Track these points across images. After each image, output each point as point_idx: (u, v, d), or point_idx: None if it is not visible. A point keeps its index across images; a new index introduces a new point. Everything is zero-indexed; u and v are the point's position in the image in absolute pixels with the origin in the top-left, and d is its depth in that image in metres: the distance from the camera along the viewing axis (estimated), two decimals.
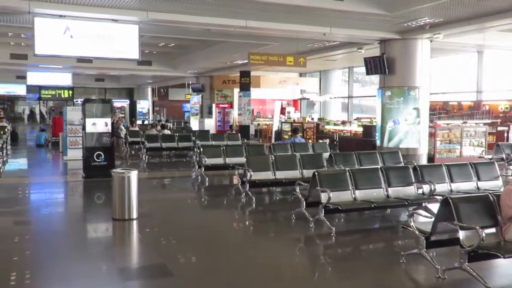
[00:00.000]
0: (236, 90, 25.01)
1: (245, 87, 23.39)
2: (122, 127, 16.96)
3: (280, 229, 7.95)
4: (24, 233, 7.45)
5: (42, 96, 34.23)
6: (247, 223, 8.76)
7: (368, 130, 16.38)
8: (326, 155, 11.27)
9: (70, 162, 15.53)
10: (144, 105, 39.16)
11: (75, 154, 15.43)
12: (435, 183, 8.13)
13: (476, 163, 9.23)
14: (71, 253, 6.47)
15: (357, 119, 21.28)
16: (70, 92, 32.99)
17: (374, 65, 14.10)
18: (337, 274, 5.92)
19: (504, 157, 12.69)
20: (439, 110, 19.10)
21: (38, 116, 42.86)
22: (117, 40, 11.50)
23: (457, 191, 8.47)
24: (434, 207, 6.82)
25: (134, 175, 7.91)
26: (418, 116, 13.61)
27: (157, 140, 17.01)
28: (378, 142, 14.43)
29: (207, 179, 11.82)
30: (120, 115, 22.63)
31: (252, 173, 9.49)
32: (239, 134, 18.50)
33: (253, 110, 25.77)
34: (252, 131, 24.07)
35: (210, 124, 25.28)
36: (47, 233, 7.51)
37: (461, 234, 5.09)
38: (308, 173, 9.50)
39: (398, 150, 12.00)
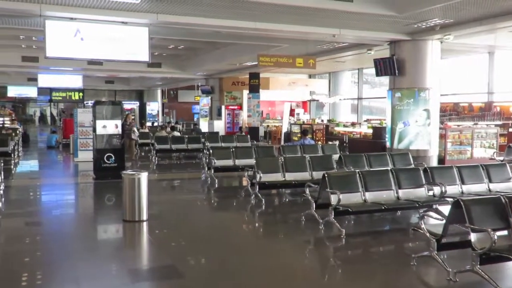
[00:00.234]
0: (246, 92, 25.01)
1: (254, 89, 23.38)
2: (135, 129, 17.01)
3: (290, 231, 7.94)
4: (35, 234, 7.51)
5: (53, 98, 34.44)
6: (256, 224, 8.76)
7: (378, 131, 16.30)
8: (335, 156, 11.24)
9: (81, 163, 15.63)
10: (153, 107, 39.31)
11: (85, 156, 15.53)
12: (446, 185, 8.07)
13: (488, 164, 9.15)
14: (81, 254, 6.50)
15: (367, 120, 21.19)
16: (81, 94, 33.16)
17: (384, 67, 14.04)
18: (347, 276, 5.89)
19: None
20: (449, 112, 18.97)
21: (49, 118, 43.22)
22: (127, 43, 11.55)
23: (468, 193, 8.41)
24: (445, 209, 6.76)
25: (144, 176, 7.94)
26: (428, 117, 13.53)
27: (167, 142, 17.07)
28: (388, 144, 14.36)
29: (216, 180, 11.84)
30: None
31: (261, 174, 9.49)
32: (249, 136, 18.52)
33: (262, 111, 25.76)
34: (261, 132, 24.06)
35: (220, 126, 25.30)
36: (58, 234, 7.56)
37: (473, 237, 5.05)
38: (317, 175, 9.49)
39: (408, 152, 11.94)
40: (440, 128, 14.53)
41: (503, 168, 9.10)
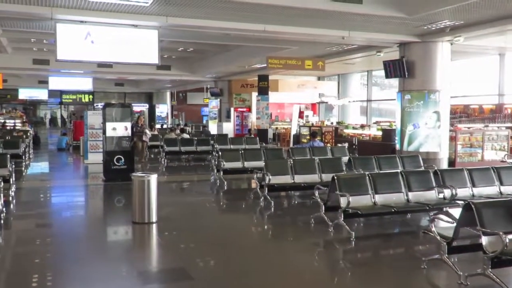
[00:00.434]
0: (254, 94, 25.01)
1: (263, 91, 23.38)
2: (147, 131, 17.08)
3: (299, 234, 7.93)
4: (45, 235, 7.57)
5: (63, 100, 34.63)
6: (265, 227, 8.75)
7: (388, 134, 16.23)
8: (345, 159, 11.21)
9: (91, 165, 15.72)
10: (163, 109, 39.45)
11: (95, 158, 15.62)
12: (456, 188, 8.02)
13: (499, 167, 9.08)
14: (91, 256, 6.54)
15: (376, 122, 21.09)
16: (91, 96, 33.31)
17: (393, 68, 13.98)
18: (356, 279, 5.87)
19: None
20: (459, 114, 18.82)
21: (59, 120, 43.53)
22: (137, 45, 11.60)
23: (479, 196, 8.35)
24: (456, 212, 6.72)
25: (153, 178, 7.97)
26: (438, 119, 13.44)
27: (176, 144, 17.14)
28: (397, 146, 14.29)
29: (225, 182, 11.84)
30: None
31: (270, 177, 9.48)
32: (257, 138, 18.52)
33: (271, 114, 25.75)
34: (270, 135, 24.05)
35: (229, 128, 25.32)
36: (68, 236, 7.61)
37: (484, 240, 5.01)
38: (327, 177, 9.46)
39: (418, 154, 11.88)
40: (450, 130, 14.43)
41: None
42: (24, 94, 34.61)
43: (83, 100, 33.66)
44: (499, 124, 16.27)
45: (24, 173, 14.27)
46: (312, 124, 22.93)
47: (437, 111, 13.43)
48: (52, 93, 33.60)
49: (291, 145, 20.59)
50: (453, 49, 13.80)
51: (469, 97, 19.60)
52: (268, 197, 9.58)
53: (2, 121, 27.76)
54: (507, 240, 4.76)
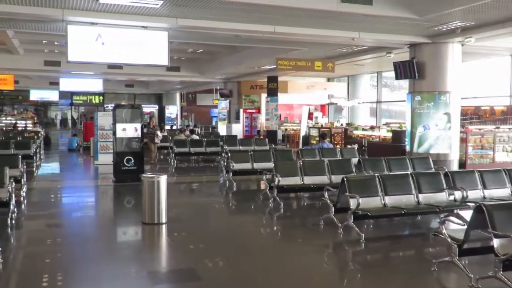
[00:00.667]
0: (264, 96, 25.03)
1: (272, 92, 23.38)
2: (159, 133, 17.14)
3: (309, 235, 7.91)
4: (56, 235, 7.62)
5: (74, 101, 34.93)
6: (275, 228, 8.74)
7: (398, 135, 16.16)
8: (354, 160, 11.18)
9: (101, 166, 15.80)
10: (172, 110, 39.60)
11: (105, 159, 15.71)
12: (467, 190, 7.97)
13: (510, 169, 8.98)
14: (101, 256, 6.58)
15: (386, 124, 21.00)
16: (101, 97, 33.53)
17: (403, 70, 13.92)
18: (366, 281, 5.84)
19: None
20: (470, 115, 18.70)
21: (70, 121, 43.83)
22: (147, 47, 11.66)
23: (490, 198, 8.29)
24: (466, 214, 6.67)
25: (163, 179, 7.99)
26: (449, 121, 13.36)
27: (186, 145, 17.19)
28: (407, 148, 14.22)
29: (234, 184, 11.86)
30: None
31: (280, 178, 9.48)
32: (267, 139, 18.52)
33: (280, 115, 25.75)
34: (279, 136, 24.03)
35: (238, 129, 25.35)
36: (78, 236, 7.65)
37: (495, 242, 4.97)
38: (336, 178, 9.44)
39: (428, 156, 11.82)
40: (461, 132, 14.34)
41: None
42: (36, 95, 34.90)
43: (93, 101, 33.92)
44: (510, 126, 16.14)
45: (35, 174, 14.38)
46: (322, 125, 22.89)
47: (447, 113, 13.35)
48: (63, 94, 33.87)
49: (300, 146, 20.56)
50: (464, 50, 13.71)
51: (480, 99, 19.46)
52: (278, 198, 9.57)
53: (14, 122, 28.01)
54: None
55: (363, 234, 7.14)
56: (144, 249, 7.24)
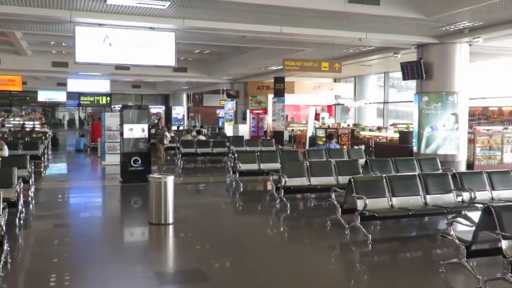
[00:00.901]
0: (270, 96, 25.02)
1: (279, 93, 23.38)
2: (167, 134, 17.17)
3: (315, 236, 7.89)
4: (63, 236, 7.66)
5: (81, 102, 35.16)
6: (281, 229, 8.74)
7: (405, 136, 16.10)
8: (361, 161, 11.14)
9: (108, 167, 15.86)
10: (179, 111, 39.67)
11: (113, 159, 15.77)
12: (475, 191, 7.92)
13: None
14: (108, 256, 6.60)
15: (393, 125, 20.93)
16: (108, 98, 33.72)
17: (411, 70, 13.87)
18: (373, 282, 5.82)
19: None
20: (478, 116, 18.59)
21: (77, 122, 44.04)
22: (154, 48, 11.69)
23: (498, 199, 8.25)
24: (474, 215, 6.63)
25: (170, 180, 8.01)
26: (456, 121, 13.29)
27: (192, 145, 17.20)
28: (415, 149, 14.16)
29: (241, 184, 11.86)
30: (156, 121, 22.97)
31: (286, 179, 9.47)
32: (273, 140, 18.51)
33: (287, 116, 25.73)
34: (286, 137, 24.00)
35: (244, 130, 25.36)
36: (85, 236, 7.68)
37: (504, 244, 4.94)
38: (343, 179, 9.43)
39: (436, 157, 11.77)
40: (469, 133, 14.26)
41: None
42: (43, 96, 35.11)
43: (100, 102, 34.13)
44: None
45: (43, 174, 14.46)
46: (328, 126, 22.85)
47: (455, 113, 13.28)
48: (70, 95, 34.05)
49: (307, 147, 20.53)
50: (472, 51, 13.64)
51: (488, 99, 19.34)
52: (284, 199, 9.57)
53: (22, 122, 28.18)
54: None
55: (370, 235, 7.11)
56: (151, 250, 7.25)
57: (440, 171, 10.42)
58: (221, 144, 17.76)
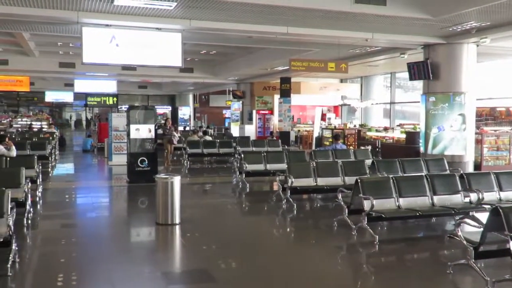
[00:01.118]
0: (277, 97, 25.02)
1: (285, 94, 23.36)
2: (175, 134, 17.21)
3: (322, 237, 7.88)
4: (70, 235, 7.68)
5: (88, 103, 35.30)
6: (288, 229, 8.73)
7: (412, 136, 16.04)
8: (368, 162, 11.11)
9: (115, 167, 15.91)
10: (185, 111, 39.73)
11: (119, 160, 15.82)
12: (483, 192, 7.88)
13: None
14: (115, 256, 6.62)
15: (400, 125, 20.86)
16: (115, 99, 33.82)
17: (417, 71, 13.82)
18: (380, 284, 5.80)
19: None
20: (486, 116, 18.49)
21: (84, 123, 44.24)
22: (160, 48, 11.73)
23: (506, 200, 8.20)
24: (482, 216, 6.59)
25: (177, 180, 8.03)
26: (463, 122, 13.22)
27: (199, 146, 17.22)
28: (422, 149, 14.11)
29: (247, 185, 11.87)
30: (162, 121, 22.99)
31: (293, 179, 9.46)
32: (280, 141, 18.50)
33: (293, 116, 25.71)
34: (292, 137, 23.99)
35: (251, 131, 25.36)
36: (92, 236, 7.71)
37: None
38: (350, 180, 9.41)
39: (443, 157, 11.72)
40: (476, 133, 14.20)
41: None
42: (51, 96, 35.28)
43: (107, 103, 34.23)
44: None
45: (50, 174, 14.53)
46: (335, 126, 22.80)
47: (462, 114, 13.22)
48: (77, 96, 34.19)
49: (313, 147, 20.49)
50: (479, 51, 13.57)
51: (495, 99, 19.23)
52: (291, 199, 9.56)
53: (29, 123, 28.34)
54: None
55: (377, 236, 7.09)
56: (158, 250, 7.27)
57: (448, 172, 10.37)
58: (228, 145, 17.78)
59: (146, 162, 12.50)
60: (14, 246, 5.78)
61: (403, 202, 7.65)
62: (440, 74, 13.40)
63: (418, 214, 7.40)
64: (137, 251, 7.04)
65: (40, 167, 10.55)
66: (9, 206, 6.01)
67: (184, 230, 7.83)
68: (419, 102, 14.53)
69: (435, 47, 13.44)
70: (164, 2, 9.54)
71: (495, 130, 15.32)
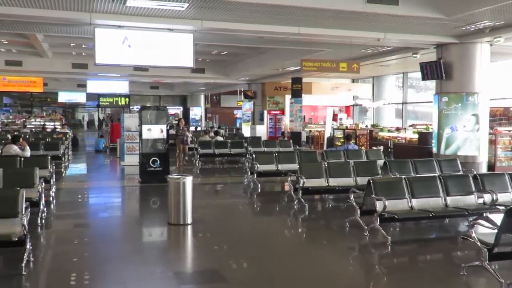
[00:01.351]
0: (288, 97, 24.99)
1: (296, 94, 23.34)
2: (188, 134, 17.26)
3: (334, 237, 7.86)
4: (83, 235, 7.74)
5: (100, 103, 35.58)
6: (299, 230, 8.72)
7: (424, 137, 15.93)
8: (380, 162, 11.05)
9: (127, 167, 16.00)
10: (197, 112, 39.85)
11: (132, 160, 15.91)
12: (497, 192, 7.79)
13: None
14: (128, 256, 6.66)
15: (412, 125, 20.73)
16: (127, 99, 34.06)
17: (430, 70, 13.72)
18: (393, 285, 5.77)
19: None
20: (499, 116, 18.31)
21: (96, 123, 44.60)
22: (172, 49, 11.77)
23: None
24: (496, 217, 6.53)
25: (189, 181, 8.05)
26: (477, 122, 13.10)
27: (210, 146, 17.25)
28: (434, 150, 14.00)
29: (259, 185, 11.86)
30: (175, 122, 23.05)
31: (305, 180, 9.44)
32: (291, 141, 18.48)
33: (304, 116, 25.66)
34: (303, 137, 23.95)
35: (262, 131, 25.35)
36: (105, 236, 7.76)
37: None
38: (362, 180, 9.37)
39: (456, 158, 11.62)
40: (490, 134, 14.06)
41: None
42: (64, 97, 35.61)
43: (119, 103, 34.49)
44: None
45: (63, 174, 14.65)
46: (346, 127, 22.72)
47: (475, 114, 13.10)
48: (90, 96, 34.47)
49: (324, 148, 20.44)
50: (493, 50, 13.44)
51: (509, 99, 19.02)
52: (302, 200, 9.54)
53: (43, 123, 28.62)
54: None
55: (389, 237, 7.05)
56: (170, 250, 7.30)
57: (461, 173, 10.28)
58: (239, 145, 17.79)
59: (158, 162, 12.55)
60: (28, 246, 5.84)
61: (416, 203, 7.59)
62: (453, 74, 13.29)
63: (431, 215, 7.34)
64: (149, 251, 7.08)
65: (54, 167, 10.63)
66: (24, 206, 6.07)
67: (196, 230, 7.85)
68: (431, 102, 14.42)
69: (448, 47, 13.33)
70: (176, 3, 9.58)
71: (509, 131, 15.16)
